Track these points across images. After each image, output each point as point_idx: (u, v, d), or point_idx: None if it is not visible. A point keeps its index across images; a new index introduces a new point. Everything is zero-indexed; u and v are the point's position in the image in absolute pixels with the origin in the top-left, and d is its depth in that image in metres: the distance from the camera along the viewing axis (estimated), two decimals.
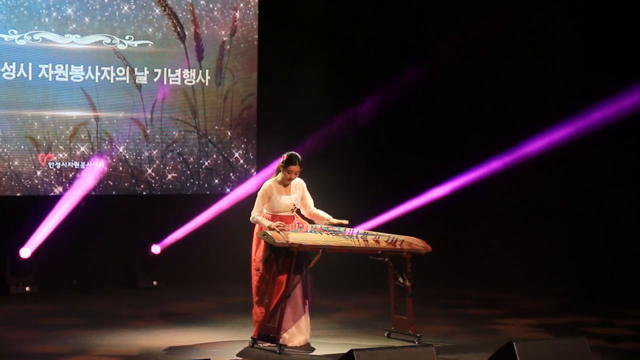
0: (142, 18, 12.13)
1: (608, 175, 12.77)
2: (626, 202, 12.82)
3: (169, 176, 12.41)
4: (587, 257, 12.83)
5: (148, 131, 12.26)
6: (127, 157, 12.21)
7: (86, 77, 11.91)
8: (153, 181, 12.35)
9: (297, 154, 8.87)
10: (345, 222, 8.94)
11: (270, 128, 12.75)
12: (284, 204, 8.83)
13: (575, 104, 12.25)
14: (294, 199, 8.89)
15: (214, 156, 12.63)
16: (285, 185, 8.87)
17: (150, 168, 12.32)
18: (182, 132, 12.46)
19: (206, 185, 12.61)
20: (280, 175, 8.87)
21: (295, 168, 8.83)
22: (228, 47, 12.56)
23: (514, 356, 6.75)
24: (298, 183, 8.97)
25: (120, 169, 12.18)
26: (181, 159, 12.47)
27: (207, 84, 12.52)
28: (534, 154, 12.61)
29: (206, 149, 12.58)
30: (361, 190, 12.84)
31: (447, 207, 12.81)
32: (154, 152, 12.33)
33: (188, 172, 12.50)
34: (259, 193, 8.85)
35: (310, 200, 9.05)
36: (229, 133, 12.68)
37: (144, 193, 12.33)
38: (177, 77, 12.36)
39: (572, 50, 12.75)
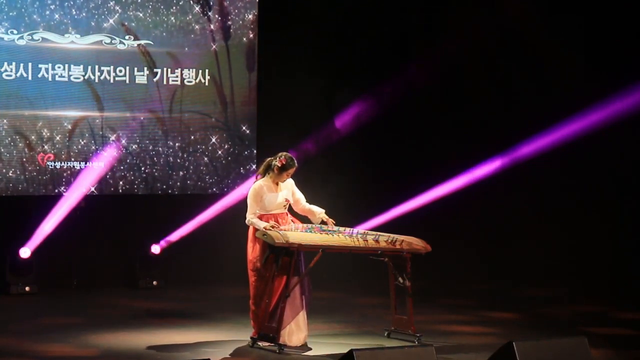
0: (145, 17, 12.14)
1: (607, 175, 12.77)
2: (626, 203, 12.83)
3: (174, 175, 12.42)
4: (587, 256, 12.82)
5: (151, 129, 12.27)
6: (128, 156, 12.20)
7: (86, 76, 11.91)
8: (155, 181, 12.34)
9: (290, 155, 8.87)
10: (332, 221, 8.94)
11: (270, 128, 12.75)
12: (276, 202, 8.81)
13: (575, 104, 12.27)
14: (285, 195, 8.88)
15: (227, 154, 12.62)
16: (276, 184, 8.86)
17: (152, 168, 12.31)
18: (194, 129, 12.47)
19: (208, 184, 12.61)
20: (271, 176, 8.85)
21: (293, 170, 8.84)
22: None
23: (513, 356, 6.75)
24: (287, 181, 8.96)
25: (121, 168, 12.17)
26: (186, 156, 12.46)
27: (206, 83, 12.51)
28: (534, 154, 12.61)
29: (218, 145, 12.57)
30: (361, 190, 12.84)
31: (447, 207, 12.80)
32: (156, 151, 12.32)
33: (193, 170, 12.50)
34: (250, 195, 8.80)
35: (300, 196, 9.03)
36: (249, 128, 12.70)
37: (144, 193, 12.32)
38: (177, 77, 12.35)
39: (572, 50, 12.75)
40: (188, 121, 12.46)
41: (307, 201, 9.09)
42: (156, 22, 12.21)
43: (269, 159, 8.91)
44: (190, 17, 12.35)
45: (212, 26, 12.43)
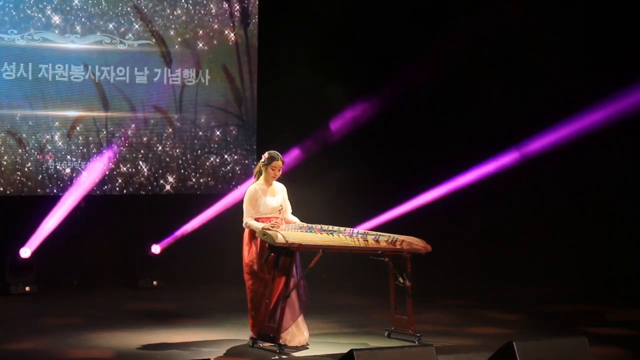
0: (146, 18, 12.14)
1: (607, 175, 12.77)
2: (626, 202, 12.83)
3: (175, 175, 12.43)
4: (587, 256, 12.83)
5: (152, 128, 12.27)
6: (128, 156, 12.21)
7: (86, 76, 11.92)
8: (155, 180, 12.35)
9: (274, 151, 8.88)
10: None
11: (270, 128, 12.75)
12: (271, 206, 8.82)
13: (575, 104, 12.27)
14: (279, 200, 8.89)
15: (231, 153, 12.64)
16: (269, 186, 8.86)
17: (152, 167, 12.31)
18: (200, 127, 12.47)
19: (212, 184, 12.61)
20: (262, 177, 8.86)
21: (278, 164, 8.84)
22: None
23: (513, 356, 6.75)
24: (280, 186, 8.97)
25: (121, 168, 12.18)
26: (189, 156, 12.47)
27: (207, 83, 12.51)
28: (534, 154, 12.62)
29: (219, 144, 12.58)
30: (361, 190, 12.84)
31: (447, 207, 12.80)
32: (156, 151, 12.32)
33: (194, 170, 12.51)
34: (245, 199, 8.82)
35: (288, 205, 9.04)
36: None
37: (144, 193, 12.33)
38: (177, 76, 12.36)
39: (573, 48, 12.75)
40: (194, 119, 12.46)
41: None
42: (168, 13, 12.22)
43: (259, 163, 8.95)
44: (205, 7, 12.36)
45: (228, 14, 12.44)
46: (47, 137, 11.81)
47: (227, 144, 12.65)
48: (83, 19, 11.86)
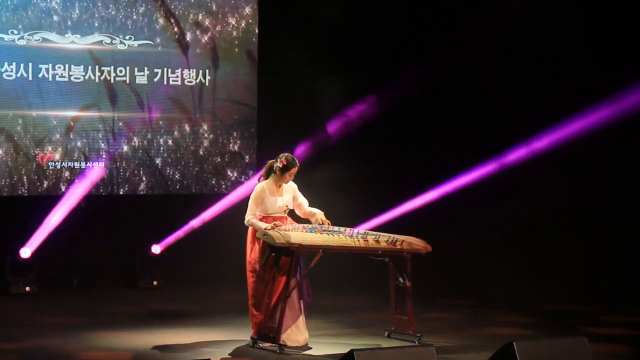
0: (145, 17, 12.14)
1: (607, 175, 12.76)
2: (626, 203, 12.83)
3: (175, 175, 12.42)
4: (587, 256, 12.82)
5: (152, 128, 12.27)
6: (128, 156, 12.20)
7: (86, 77, 11.91)
8: (155, 180, 12.34)
9: (292, 155, 8.88)
10: (328, 222, 8.90)
11: (271, 128, 12.74)
12: (277, 206, 8.82)
13: (574, 104, 12.27)
14: (287, 200, 8.88)
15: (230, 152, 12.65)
16: (278, 187, 8.86)
17: (152, 167, 12.31)
18: (206, 126, 12.47)
19: (211, 184, 12.61)
20: (274, 178, 8.85)
21: (295, 170, 8.84)
22: None
23: (514, 356, 6.75)
24: (289, 184, 8.96)
25: (121, 168, 12.17)
26: (189, 155, 12.47)
27: (207, 83, 12.50)
28: (534, 154, 12.61)
29: (220, 143, 12.58)
30: (361, 190, 12.83)
31: (447, 207, 12.80)
32: (155, 151, 12.32)
33: (194, 170, 12.51)
34: (251, 196, 8.82)
35: (303, 200, 9.03)
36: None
37: (145, 193, 12.32)
38: (177, 77, 12.35)
39: (573, 49, 12.74)
40: (196, 118, 12.45)
41: (306, 200, 9.10)
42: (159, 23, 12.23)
43: (271, 161, 8.92)
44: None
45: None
46: (48, 137, 11.81)
47: (229, 142, 12.63)
48: (83, 19, 11.85)
